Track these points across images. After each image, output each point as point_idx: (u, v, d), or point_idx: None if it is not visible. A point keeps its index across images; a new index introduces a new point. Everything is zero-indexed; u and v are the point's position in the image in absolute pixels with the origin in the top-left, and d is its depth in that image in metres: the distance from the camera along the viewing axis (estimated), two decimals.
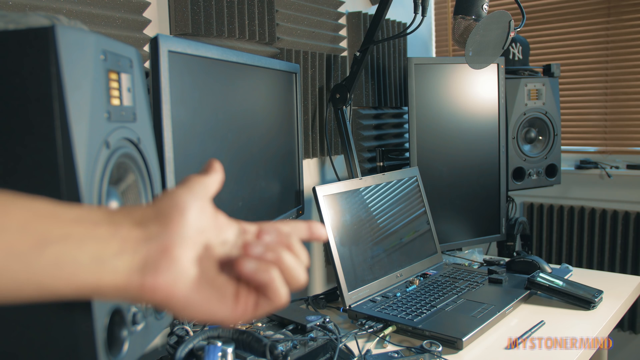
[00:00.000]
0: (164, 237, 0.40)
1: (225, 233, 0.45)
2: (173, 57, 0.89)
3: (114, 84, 0.57)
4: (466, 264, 1.62)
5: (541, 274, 1.36)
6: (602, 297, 1.31)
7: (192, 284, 0.41)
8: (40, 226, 0.38)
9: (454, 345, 1.09)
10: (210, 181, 0.46)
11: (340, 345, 1.04)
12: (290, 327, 1.07)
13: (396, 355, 1.05)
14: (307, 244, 1.72)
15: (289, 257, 0.44)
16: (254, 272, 0.42)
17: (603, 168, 2.23)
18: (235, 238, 0.45)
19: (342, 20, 1.86)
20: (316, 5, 1.69)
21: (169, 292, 0.40)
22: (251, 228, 0.47)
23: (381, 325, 1.19)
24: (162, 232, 0.40)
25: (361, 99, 1.91)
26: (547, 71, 1.89)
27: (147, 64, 1.04)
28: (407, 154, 1.94)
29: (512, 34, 1.38)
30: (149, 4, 1.18)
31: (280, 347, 0.92)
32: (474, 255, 1.71)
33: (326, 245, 1.38)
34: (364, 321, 1.20)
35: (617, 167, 2.24)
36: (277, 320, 1.13)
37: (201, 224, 0.42)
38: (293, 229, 0.48)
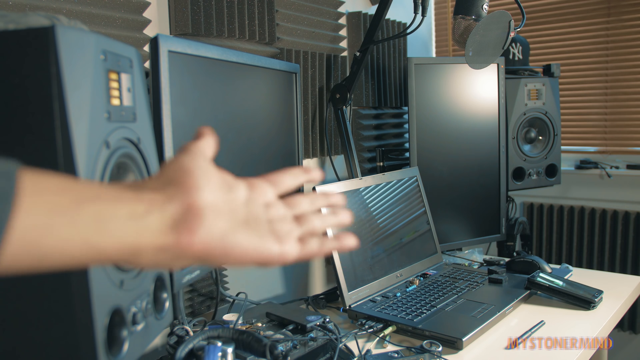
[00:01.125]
0: (183, 196, 0.42)
1: (235, 185, 0.47)
2: (173, 57, 0.88)
3: (114, 84, 0.57)
4: (466, 264, 1.62)
5: (541, 274, 1.36)
6: (602, 297, 1.31)
7: (224, 231, 0.43)
8: (75, 188, 0.39)
9: (454, 345, 1.09)
10: (204, 144, 0.48)
11: (340, 345, 1.04)
12: (290, 327, 1.07)
13: (396, 355, 1.05)
14: None
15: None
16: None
17: (603, 168, 2.23)
18: (246, 191, 0.47)
19: (342, 20, 1.86)
20: (316, 5, 1.69)
21: (206, 244, 0.42)
22: (259, 182, 0.49)
23: (381, 325, 1.18)
24: (179, 191, 0.42)
25: (361, 99, 1.91)
26: (547, 71, 1.89)
27: (147, 64, 1.04)
28: (407, 154, 1.94)
29: (512, 34, 1.38)
30: (149, 4, 1.18)
31: (280, 347, 0.92)
32: (474, 255, 1.71)
33: None
34: (364, 321, 1.20)
35: (617, 167, 2.24)
36: (277, 320, 1.13)
37: (210, 179, 0.44)
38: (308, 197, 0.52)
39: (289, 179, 0.51)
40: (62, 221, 0.37)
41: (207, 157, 0.47)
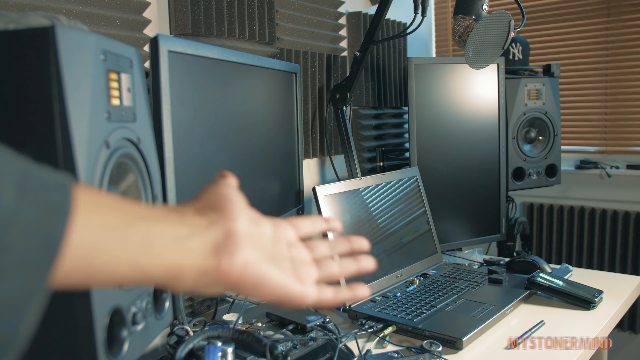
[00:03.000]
0: (224, 222, 0.43)
1: (262, 221, 0.47)
2: (173, 57, 0.88)
3: (114, 84, 0.57)
4: (466, 264, 1.62)
5: (541, 274, 1.36)
6: (602, 297, 1.31)
7: (259, 261, 0.44)
8: (125, 206, 0.39)
9: (454, 345, 1.09)
10: (233, 179, 0.50)
11: (340, 345, 1.04)
12: (290, 327, 1.07)
13: (396, 355, 1.05)
14: None
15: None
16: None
17: (603, 168, 2.23)
18: (271, 227, 0.48)
19: (342, 20, 1.86)
20: (316, 5, 1.69)
21: (243, 271, 0.42)
22: (281, 222, 0.50)
23: (381, 325, 1.18)
24: (221, 218, 0.43)
25: (361, 99, 1.91)
26: (547, 71, 1.89)
27: (147, 64, 1.04)
28: (407, 154, 1.94)
29: (512, 34, 1.38)
30: (149, 4, 1.18)
31: (280, 347, 0.92)
32: (474, 255, 1.71)
33: None
34: (364, 321, 1.20)
35: (617, 167, 2.24)
36: (277, 320, 1.13)
37: (244, 210, 0.46)
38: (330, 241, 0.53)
39: (309, 224, 0.52)
40: (114, 239, 0.37)
41: (238, 190, 0.48)
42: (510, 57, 1.96)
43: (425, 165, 1.64)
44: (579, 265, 2.28)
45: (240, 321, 1.10)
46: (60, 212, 0.34)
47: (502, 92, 1.74)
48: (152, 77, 0.86)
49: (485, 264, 1.62)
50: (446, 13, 2.56)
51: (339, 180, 1.64)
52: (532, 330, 1.16)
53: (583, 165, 2.29)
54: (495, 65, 1.72)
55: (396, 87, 2.10)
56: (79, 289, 0.38)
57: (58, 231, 0.34)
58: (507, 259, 1.61)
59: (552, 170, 1.85)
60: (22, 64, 0.48)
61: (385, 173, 1.51)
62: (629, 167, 2.21)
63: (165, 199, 0.85)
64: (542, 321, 1.20)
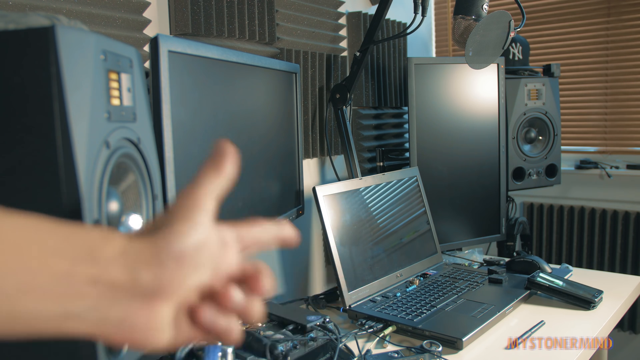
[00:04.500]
0: (151, 293, 0.34)
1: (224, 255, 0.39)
2: (173, 57, 0.88)
3: (114, 84, 0.57)
4: (466, 264, 1.62)
5: (541, 274, 1.36)
6: (602, 297, 1.31)
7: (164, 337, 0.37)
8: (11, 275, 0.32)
9: (454, 345, 1.09)
10: (215, 186, 0.40)
11: (340, 345, 1.04)
12: (290, 327, 1.07)
13: (396, 355, 1.05)
14: (306, 243, 1.72)
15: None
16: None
17: (603, 168, 2.23)
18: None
19: (342, 20, 1.86)
20: (316, 5, 1.69)
21: (140, 344, 0.36)
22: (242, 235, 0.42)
23: (381, 325, 1.18)
24: (153, 281, 0.34)
25: (361, 99, 1.91)
26: (547, 71, 1.89)
27: (147, 64, 1.04)
28: (407, 154, 1.94)
29: (512, 34, 1.38)
30: (149, 4, 1.18)
31: (280, 347, 0.92)
32: (474, 255, 1.71)
33: (326, 245, 1.38)
34: (364, 321, 1.20)
35: (617, 167, 2.24)
36: (277, 320, 1.13)
37: (199, 259, 0.37)
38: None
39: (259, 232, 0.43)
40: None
41: (211, 211, 0.40)
42: (510, 57, 1.96)
43: (425, 165, 1.64)
44: (579, 265, 2.28)
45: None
46: None
47: (502, 92, 1.74)
48: (152, 77, 0.86)
49: (485, 264, 1.62)
50: (446, 13, 2.56)
51: (339, 180, 1.64)
52: (532, 330, 1.16)
53: (583, 165, 2.29)
54: (495, 65, 1.72)
55: (396, 87, 2.10)
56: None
57: None
58: (507, 259, 1.61)
59: (552, 170, 1.85)
60: (22, 64, 0.48)
61: (385, 173, 1.51)
62: (629, 167, 2.21)
63: (165, 199, 0.85)
64: (542, 321, 1.20)
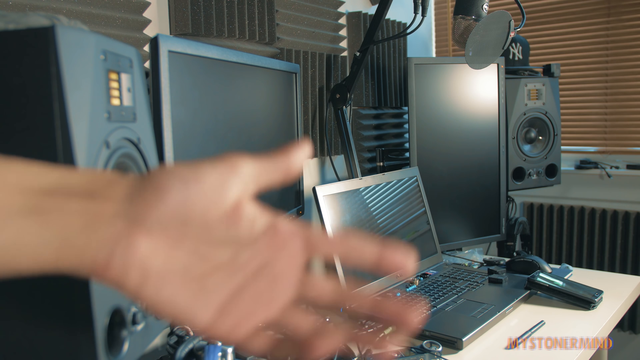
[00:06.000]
0: (131, 217, 0.33)
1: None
2: (173, 57, 0.88)
3: (114, 84, 0.57)
4: (466, 264, 1.62)
5: (541, 274, 1.36)
6: (602, 297, 1.31)
7: (158, 275, 0.34)
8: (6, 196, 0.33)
9: (454, 345, 1.09)
10: (265, 172, 0.38)
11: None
12: None
13: (396, 355, 1.05)
14: None
15: None
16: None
17: (603, 168, 2.23)
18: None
19: (342, 20, 1.86)
20: (316, 5, 1.69)
21: (122, 278, 0.33)
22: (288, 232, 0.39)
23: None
24: (131, 209, 0.33)
25: (361, 99, 1.91)
26: (547, 71, 1.89)
27: (147, 64, 1.04)
28: (407, 154, 1.94)
29: (512, 34, 1.38)
30: (149, 4, 1.18)
31: None
32: (474, 255, 1.71)
33: None
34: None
35: (617, 167, 2.24)
36: None
37: (191, 212, 0.34)
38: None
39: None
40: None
41: (245, 186, 0.38)
42: (510, 57, 1.96)
43: (425, 165, 1.64)
44: (579, 265, 2.28)
45: None
46: None
47: (502, 92, 1.74)
48: (152, 77, 0.86)
49: (485, 264, 1.62)
50: (446, 13, 2.56)
51: (339, 180, 1.64)
52: (532, 330, 1.16)
53: (583, 165, 2.29)
54: (495, 65, 1.72)
55: (396, 87, 2.10)
56: None
57: None
58: (507, 259, 1.61)
59: (552, 170, 1.85)
60: (22, 64, 0.48)
61: (385, 173, 1.51)
62: (629, 167, 2.21)
63: None
64: (542, 321, 1.20)
